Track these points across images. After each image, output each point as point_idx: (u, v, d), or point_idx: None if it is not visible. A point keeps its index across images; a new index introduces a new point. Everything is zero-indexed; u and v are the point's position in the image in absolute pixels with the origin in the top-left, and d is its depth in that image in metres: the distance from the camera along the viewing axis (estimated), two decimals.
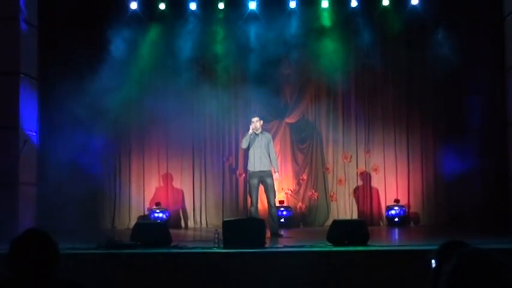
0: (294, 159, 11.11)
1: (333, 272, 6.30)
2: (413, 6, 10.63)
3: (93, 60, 10.36)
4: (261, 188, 8.87)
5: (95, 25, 10.36)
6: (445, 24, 10.42)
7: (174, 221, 10.73)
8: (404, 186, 10.88)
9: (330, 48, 10.86)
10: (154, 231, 7.46)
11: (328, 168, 11.07)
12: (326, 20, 10.97)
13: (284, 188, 10.93)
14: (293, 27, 10.79)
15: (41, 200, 9.51)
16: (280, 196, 10.56)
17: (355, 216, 10.80)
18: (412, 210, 10.80)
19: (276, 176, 8.96)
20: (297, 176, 11.08)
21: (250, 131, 8.80)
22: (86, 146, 10.35)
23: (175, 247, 7.10)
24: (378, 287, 6.11)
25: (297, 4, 10.75)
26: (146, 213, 10.76)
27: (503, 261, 1.86)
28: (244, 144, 8.94)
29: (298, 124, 11.17)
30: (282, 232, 9.00)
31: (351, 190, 11.05)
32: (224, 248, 6.85)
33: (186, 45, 10.86)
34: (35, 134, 9.45)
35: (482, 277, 1.83)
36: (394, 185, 10.91)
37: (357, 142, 11.05)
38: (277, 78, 11.07)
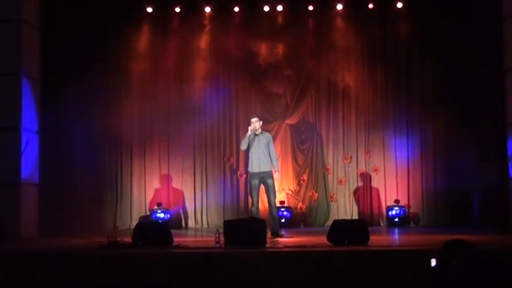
0: (295, 160, 11.15)
1: (333, 272, 6.32)
2: (413, 8, 10.66)
3: (95, 61, 10.39)
4: (262, 188, 8.90)
5: (97, 26, 10.40)
6: (444, 26, 10.44)
7: (176, 221, 10.77)
8: (404, 186, 10.91)
9: (330, 50, 10.90)
10: (155, 232, 7.49)
11: (328, 169, 11.11)
12: (327, 22, 11.00)
13: (285, 189, 10.97)
14: (294, 28, 10.83)
15: (42, 200, 9.54)
16: (280, 196, 10.60)
17: (355, 217, 10.84)
18: (412, 210, 10.84)
19: (276, 175, 8.96)
20: (298, 176, 11.11)
21: (249, 132, 8.78)
22: (88, 147, 10.38)
23: (177, 247, 7.13)
24: (378, 287, 6.14)
25: (297, 6, 10.78)
26: (148, 213, 10.80)
27: (508, 261, 1.90)
28: (243, 146, 8.89)
29: (298, 125, 11.21)
30: (283, 232, 9.02)
31: (351, 190, 11.09)
32: (225, 248, 6.89)
33: (186, 46, 10.90)
34: (36, 134, 9.49)
35: (491, 276, 1.86)
36: (394, 185, 10.95)
37: (357, 143, 11.09)
38: (278, 80, 11.11)
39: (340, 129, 11.13)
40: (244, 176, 10.84)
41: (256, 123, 8.80)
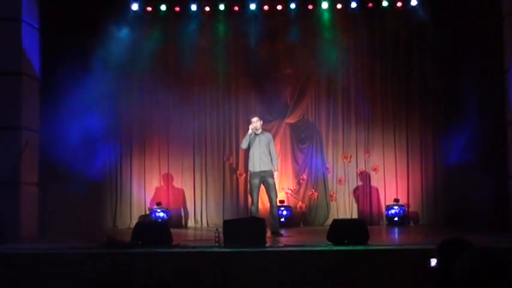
0: (294, 159, 11.15)
1: (333, 271, 6.34)
2: (413, 7, 10.67)
3: (95, 61, 10.38)
4: (262, 187, 8.91)
5: (97, 25, 10.37)
6: (444, 25, 10.44)
7: (175, 220, 10.76)
8: (404, 185, 10.92)
9: (330, 49, 10.90)
10: (155, 231, 7.51)
11: (328, 168, 11.11)
12: (326, 21, 11.00)
13: (284, 188, 10.97)
14: (293, 28, 10.83)
15: (42, 200, 9.54)
16: (280, 196, 10.58)
17: (355, 216, 10.84)
18: (411, 209, 10.84)
19: (274, 174, 8.97)
20: (297, 175, 11.12)
21: (250, 131, 8.84)
22: (88, 146, 10.37)
23: (176, 246, 7.14)
24: (378, 286, 6.15)
25: (297, 5, 10.78)
26: (147, 212, 10.80)
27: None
28: (244, 145, 8.97)
29: (298, 124, 11.21)
30: (283, 231, 9.04)
31: (351, 190, 11.08)
32: (225, 247, 6.90)
33: (186, 45, 10.89)
34: (36, 134, 9.49)
35: (497, 274, 1.88)
36: (393, 184, 10.95)
37: (356, 142, 11.09)
38: (278, 79, 11.12)
39: (340, 128, 11.13)
40: (244, 175, 10.85)
41: (257, 123, 8.86)
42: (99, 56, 10.33)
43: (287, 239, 8.22)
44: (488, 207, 9.68)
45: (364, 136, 11.08)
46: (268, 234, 8.03)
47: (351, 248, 6.82)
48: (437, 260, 2.76)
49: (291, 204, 10.90)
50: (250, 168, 8.95)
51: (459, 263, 2.00)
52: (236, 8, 10.97)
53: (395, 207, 10.59)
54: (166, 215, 10.52)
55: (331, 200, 11.07)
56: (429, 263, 2.81)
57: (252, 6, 10.77)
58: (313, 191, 11.06)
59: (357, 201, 11.05)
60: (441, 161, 10.78)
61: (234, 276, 6.31)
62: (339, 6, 10.90)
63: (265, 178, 8.81)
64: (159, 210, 10.51)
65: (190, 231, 10.34)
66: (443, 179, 10.70)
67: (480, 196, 9.90)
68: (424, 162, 10.92)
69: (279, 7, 10.89)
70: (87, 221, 10.04)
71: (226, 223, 7.32)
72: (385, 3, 10.75)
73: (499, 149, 9.63)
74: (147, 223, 9.27)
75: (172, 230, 7.65)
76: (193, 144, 11.12)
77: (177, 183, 11.12)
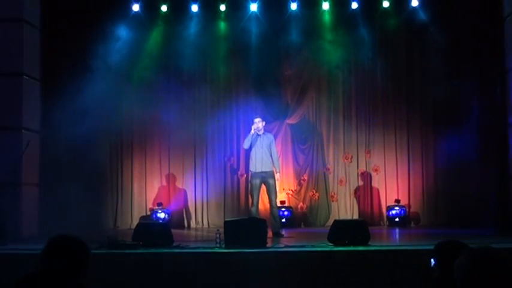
0: (295, 160, 11.14)
1: (334, 271, 6.33)
2: (414, 7, 10.67)
3: (96, 61, 10.39)
4: (263, 188, 8.92)
5: (98, 26, 10.40)
6: (445, 25, 10.43)
7: (176, 221, 10.76)
8: (405, 186, 10.91)
9: (330, 50, 10.90)
10: (156, 232, 7.50)
11: (329, 169, 11.10)
12: (327, 22, 11.01)
13: (285, 188, 10.96)
14: (294, 28, 10.83)
15: (43, 200, 9.54)
16: (281, 196, 10.58)
17: (355, 216, 10.83)
18: (412, 210, 10.84)
19: (277, 176, 9.01)
20: (298, 176, 11.11)
21: (252, 131, 8.87)
22: (88, 147, 10.37)
23: (177, 247, 7.14)
24: (378, 286, 6.15)
25: (297, 6, 10.78)
26: (148, 213, 10.80)
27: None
28: (246, 145, 9.01)
29: (299, 125, 11.20)
30: (283, 232, 9.04)
31: (352, 190, 11.08)
32: (226, 248, 6.89)
33: (187, 46, 10.89)
34: (37, 134, 9.49)
35: (496, 273, 1.88)
36: (394, 185, 10.94)
37: (357, 142, 11.08)
38: (279, 80, 11.12)
39: (341, 129, 11.13)
40: (245, 176, 10.85)
41: (259, 123, 8.91)
42: (100, 56, 10.33)
43: (288, 240, 8.21)
44: (489, 208, 9.68)
45: (365, 136, 11.08)
46: (270, 234, 8.02)
47: (351, 248, 6.82)
48: (435, 262, 2.77)
49: (291, 205, 10.90)
50: (252, 168, 8.96)
51: (459, 263, 2.00)
52: (237, 10, 10.95)
53: (396, 207, 10.59)
54: (167, 216, 10.51)
55: (332, 201, 11.07)
56: (430, 263, 2.81)
57: (253, 7, 10.78)
58: (314, 191, 11.06)
59: (358, 201, 11.04)
60: (442, 162, 10.78)
61: (234, 277, 6.30)
62: (340, 7, 10.89)
63: (266, 179, 8.83)
64: (160, 211, 10.50)
65: (191, 232, 10.35)
66: (444, 180, 10.70)
67: (481, 196, 9.91)
68: (425, 163, 10.91)
69: (280, 9, 10.88)
70: (88, 222, 10.04)
71: (227, 224, 7.32)
72: (385, 4, 10.75)
73: (500, 149, 9.62)
74: (148, 224, 9.26)
75: (173, 231, 7.65)
76: (194, 145, 11.12)
77: (178, 184, 11.12)
